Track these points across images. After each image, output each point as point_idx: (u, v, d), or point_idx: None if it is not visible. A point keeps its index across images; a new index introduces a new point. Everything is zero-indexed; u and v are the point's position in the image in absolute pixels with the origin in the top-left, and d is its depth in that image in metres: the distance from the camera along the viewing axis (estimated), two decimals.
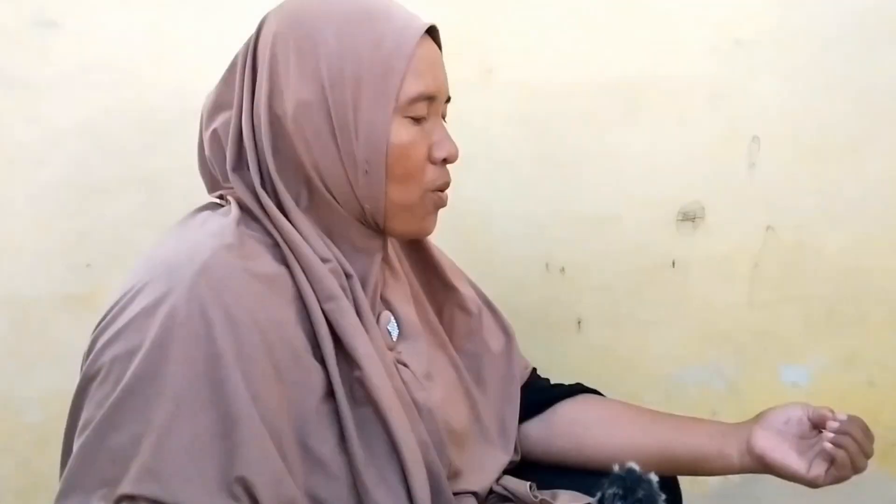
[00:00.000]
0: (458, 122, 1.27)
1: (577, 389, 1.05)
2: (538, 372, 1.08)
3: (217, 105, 0.86)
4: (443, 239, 1.26)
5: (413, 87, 0.81)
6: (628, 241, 1.36)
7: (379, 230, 0.86)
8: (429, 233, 0.90)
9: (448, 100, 0.88)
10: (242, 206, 0.82)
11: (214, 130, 0.84)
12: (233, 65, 0.86)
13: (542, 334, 1.36)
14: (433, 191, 0.86)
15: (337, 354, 0.81)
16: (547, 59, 1.31)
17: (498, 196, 1.33)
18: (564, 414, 1.02)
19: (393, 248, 0.95)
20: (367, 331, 0.83)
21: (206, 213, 0.84)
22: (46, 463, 1.19)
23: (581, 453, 1.00)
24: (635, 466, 0.72)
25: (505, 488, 0.95)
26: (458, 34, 1.26)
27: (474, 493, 0.92)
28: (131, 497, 0.69)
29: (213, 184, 0.87)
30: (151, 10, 1.18)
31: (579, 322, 1.38)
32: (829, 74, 1.37)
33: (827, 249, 1.42)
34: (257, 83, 0.82)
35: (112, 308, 0.76)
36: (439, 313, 1.00)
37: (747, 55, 1.35)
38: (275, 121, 0.81)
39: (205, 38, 1.19)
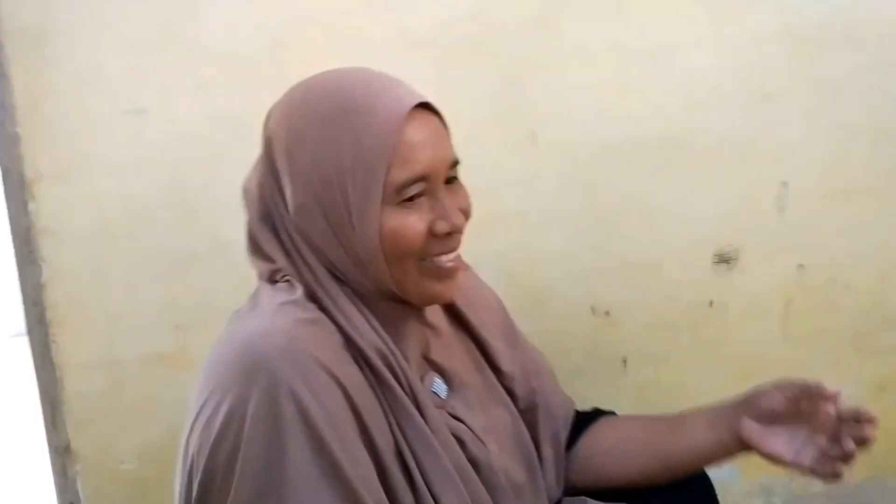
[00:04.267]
0: (506, 179, 1.40)
1: (594, 416, 1.09)
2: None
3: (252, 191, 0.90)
4: (494, 286, 1.37)
5: (399, 176, 0.81)
6: (668, 285, 1.46)
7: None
8: (447, 299, 0.90)
9: (455, 163, 0.87)
10: (304, 286, 0.85)
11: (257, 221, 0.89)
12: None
13: (589, 373, 1.46)
14: (429, 259, 0.85)
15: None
16: (587, 119, 1.40)
17: (546, 246, 1.42)
18: (581, 449, 1.06)
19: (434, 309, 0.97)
20: (417, 400, 0.86)
21: (266, 296, 0.86)
22: None
23: (592, 483, 1.05)
24: None
25: None
26: (503, 101, 1.39)
27: None
28: None
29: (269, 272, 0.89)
30: (228, 94, 1.28)
31: (624, 361, 1.47)
32: (850, 122, 1.46)
33: (855, 285, 1.50)
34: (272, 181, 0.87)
35: (204, 405, 0.79)
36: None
37: (776, 107, 1.44)
38: (290, 218, 0.85)
39: None
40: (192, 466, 0.79)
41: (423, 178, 0.83)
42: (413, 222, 0.83)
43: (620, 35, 1.39)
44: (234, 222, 1.31)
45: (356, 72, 0.88)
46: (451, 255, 0.87)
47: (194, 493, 0.79)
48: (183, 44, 1.27)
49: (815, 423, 0.89)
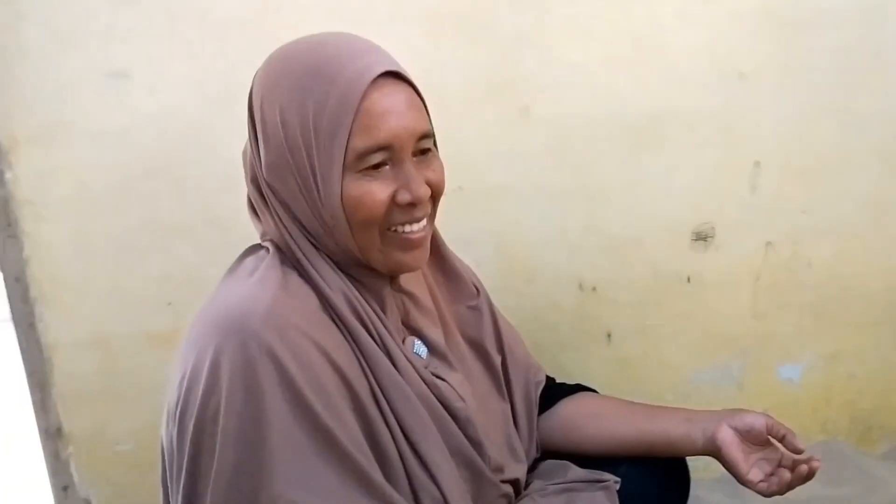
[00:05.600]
0: (499, 154, 1.41)
1: (577, 388, 1.18)
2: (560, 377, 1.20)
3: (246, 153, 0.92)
4: (486, 261, 1.38)
5: (360, 143, 0.82)
6: (650, 261, 1.51)
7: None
8: (412, 268, 0.91)
9: (427, 135, 0.87)
10: (281, 252, 0.87)
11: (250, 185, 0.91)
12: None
13: (575, 347, 1.50)
14: (392, 228, 0.87)
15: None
16: (576, 96, 1.42)
17: (535, 221, 1.45)
18: (563, 411, 1.14)
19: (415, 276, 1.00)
20: (389, 352, 0.89)
21: (251, 260, 0.89)
22: (139, 486, 1.26)
23: (571, 443, 1.12)
24: None
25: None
26: (497, 76, 1.38)
27: (513, 482, 1.03)
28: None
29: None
30: (217, 59, 1.23)
31: (609, 335, 1.51)
32: (818, 103, 1.53)
33: (816, 261, 1.60)
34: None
35: (185, 368, 0.80)
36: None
37: (750, 87, 1.50)
38: (264, 177, 0.87)
39: None
40: (179, 427, 0.80)
41: (386, 147, 0.83)
42: (375, 191, 0.83)
43: (608, 13, 1.41)
44: (226, 192, 1.28)
45: (333, 37, 0.88)
46: (416, 226, 0.88)
47: (186, 453, 0.80)
48: (165, 2, 1.20)
49: (768, 453, 1.03)
